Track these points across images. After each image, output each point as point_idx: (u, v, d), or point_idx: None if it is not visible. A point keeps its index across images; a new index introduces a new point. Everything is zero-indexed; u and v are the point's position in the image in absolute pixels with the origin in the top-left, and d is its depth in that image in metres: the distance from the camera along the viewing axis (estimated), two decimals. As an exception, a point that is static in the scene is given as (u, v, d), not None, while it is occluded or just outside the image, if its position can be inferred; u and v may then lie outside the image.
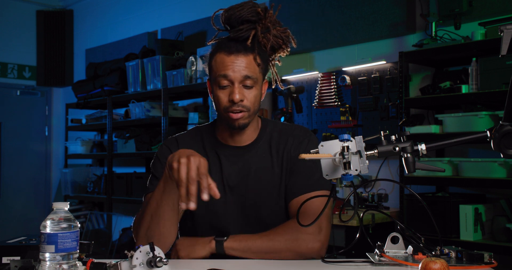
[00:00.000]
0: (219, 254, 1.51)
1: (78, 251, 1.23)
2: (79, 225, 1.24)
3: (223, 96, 1.53)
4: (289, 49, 1.63)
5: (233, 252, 1.50)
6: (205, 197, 1.26)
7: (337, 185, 3.28)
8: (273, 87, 1.48)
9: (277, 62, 1.66)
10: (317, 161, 1.28)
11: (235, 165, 1.61)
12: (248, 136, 1.63)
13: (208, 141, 1.65)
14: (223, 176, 1.61)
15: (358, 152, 1.23)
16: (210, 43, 1.66)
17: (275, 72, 1.68)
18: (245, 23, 1.55)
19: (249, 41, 1.54)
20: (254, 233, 1.54)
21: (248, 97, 1.54)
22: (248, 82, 1.53)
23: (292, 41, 1.61)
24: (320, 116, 3.76)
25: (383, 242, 1.42)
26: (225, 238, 1.51)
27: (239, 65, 1.52)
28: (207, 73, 1.64)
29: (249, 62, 1.53)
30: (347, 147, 1.22)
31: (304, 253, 1.49)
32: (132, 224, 1.56)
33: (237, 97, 1.51)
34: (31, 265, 1.22)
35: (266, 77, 1.63)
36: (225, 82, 1.53)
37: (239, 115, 1.53)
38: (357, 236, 1.44)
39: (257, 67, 1.55)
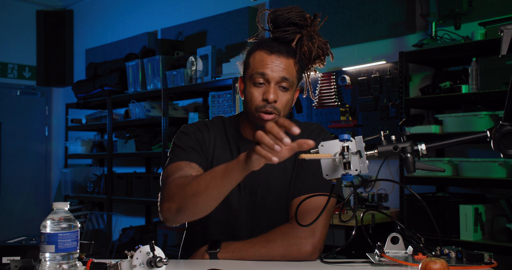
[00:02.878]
0: None
1: (78, 251, 1.23)
2: (79, 225, 1.24)
3: (257, 94, 1.52)
4: (325, 62, 1.63)
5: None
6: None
7: (337, 185, 3.27)
8: (304, 96, 1.49)
9: (312, 72, 1.65)
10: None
11: None
12: None
13: (232, 134, 1.64)
14: None
15: (358, 152, 1.23)
16: (250, 40, 1.65)
17: (309, 81, 1.67)
18: (291, 26, 1.55)
19: (294, 43, 1.54)
20: (262, 228, 1.54)
21: (281, 99, 1.52)
22: (284, 84, 1.52)
23: (330, 54, 1.61)
24: (320, 116, 3.76)
25: (383, 242, 1.42)
26: (218, 249, 1.49)
27: (279, 66, 1.51)
28: (240, 70, 1.63)
29: (288, 64, 1.53)
30: (347, 147, 1.22)
31: (296, 258, 1.49)
32: (158, 201, 1.49)
33: (271, 97, 1.49)
34: (31, 265, 1.22)
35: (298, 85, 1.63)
36: (261, 80, 1.52)
37: (270, 117, 1.52)
38: (353, 233, 1.44)
39: (295, 72, 1.55)
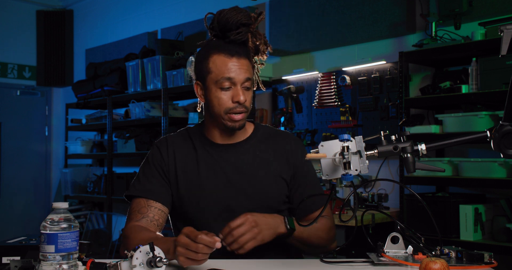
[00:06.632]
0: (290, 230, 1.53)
1: (78, 251, 1.23)
2: (79, 225, 1.24)
3: (226, 98, 1.58)
4: (267, 55, 1.69)
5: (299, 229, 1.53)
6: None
7: (337, 185, 3.28)
8: (254, 88, 1.54)
9: (260, 65, 1.71)
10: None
11: (228, 161, 1.65)
12: (238, 135, 1.68)
13: (198, 140, 1.70)
14: (223, 169, 1.65)
15: (358, 152, 1.23)
16: (200, 43, 1.69)
17: (258, 74, 1.73)
18: (242, 27, 1.59)
19: (250, 42, 1.60)
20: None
21: (248, 98, 1.60)
22: (248, 84, 1.60)
23: (269, 47, 1.67)
24: (320, 116, 3.76)
25: (383, 242, 1.42)
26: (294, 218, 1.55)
27: (241, 68, 1.57)
28: (192, 75, 1.69)
29: (248, 64, 1.60)
30: (347, 147, 1.22)
31: (330, 249, 1.68)
32: (123, 232, 1.57)
33: (241, 98, 1.56)
34: (31, 265, 1.22)
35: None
36: (227, 84, 1.57)
37: (240, 116, 1.59)
38: (353, 232, 1.44)
39: (252, 70, 1.62)
